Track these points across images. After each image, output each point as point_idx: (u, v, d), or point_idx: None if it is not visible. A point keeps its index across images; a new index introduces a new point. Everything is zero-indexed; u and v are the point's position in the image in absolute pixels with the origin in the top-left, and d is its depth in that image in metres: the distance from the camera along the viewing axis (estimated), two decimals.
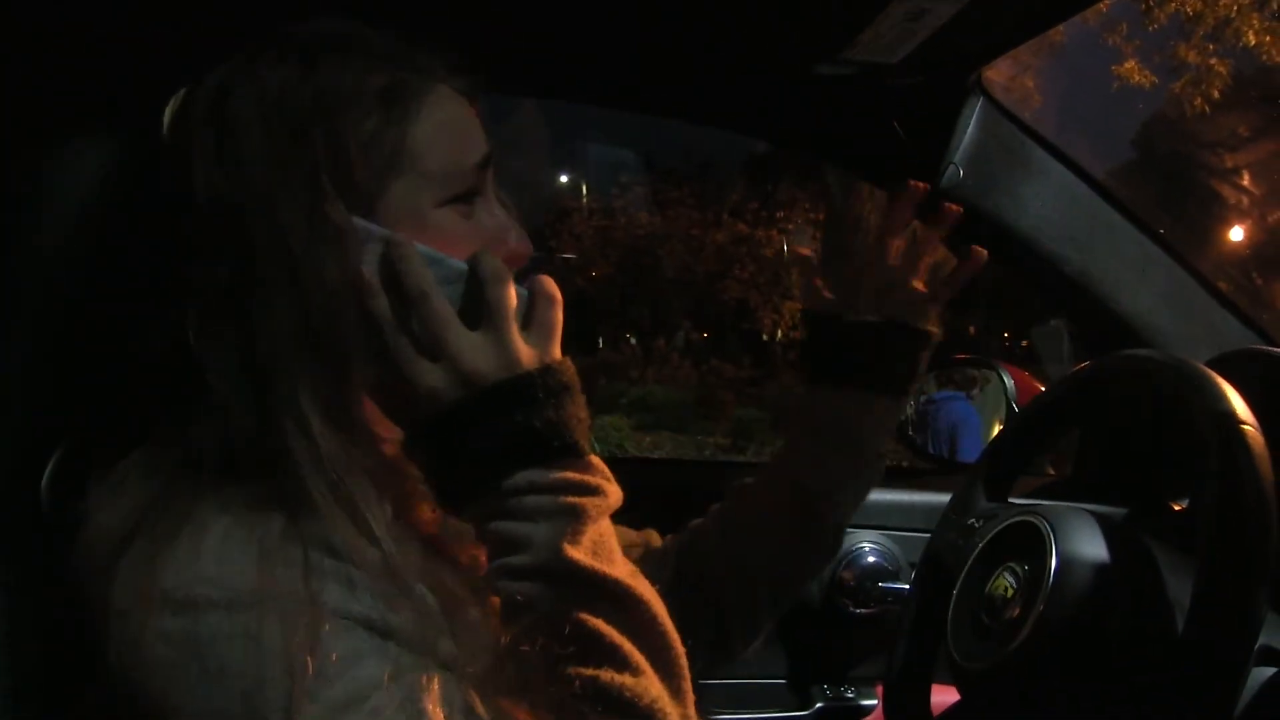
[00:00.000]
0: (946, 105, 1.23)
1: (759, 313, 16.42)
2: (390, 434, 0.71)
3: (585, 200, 18.01)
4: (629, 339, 18.05)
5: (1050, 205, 1.27)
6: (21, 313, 0.93)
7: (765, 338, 17.99)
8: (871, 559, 1.48)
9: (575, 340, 0.76)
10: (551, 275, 0.75)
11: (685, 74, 1.27)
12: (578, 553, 0.67)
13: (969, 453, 1.67)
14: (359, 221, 0.68)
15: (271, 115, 0.67)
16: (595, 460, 0.70)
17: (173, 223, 0.68)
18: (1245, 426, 0.81)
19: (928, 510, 1.50)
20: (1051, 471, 1.61)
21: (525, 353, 0.69)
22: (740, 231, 16.06)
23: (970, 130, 1.24)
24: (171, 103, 0.75)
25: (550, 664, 0.65)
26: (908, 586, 1.42)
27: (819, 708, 1.52)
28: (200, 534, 0.62)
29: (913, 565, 1.46)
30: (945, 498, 1.31)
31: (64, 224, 0.93)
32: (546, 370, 0.68)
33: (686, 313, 17.57)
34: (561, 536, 0.66)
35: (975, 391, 1.72)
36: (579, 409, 0.70)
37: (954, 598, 1.06)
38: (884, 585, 1.47)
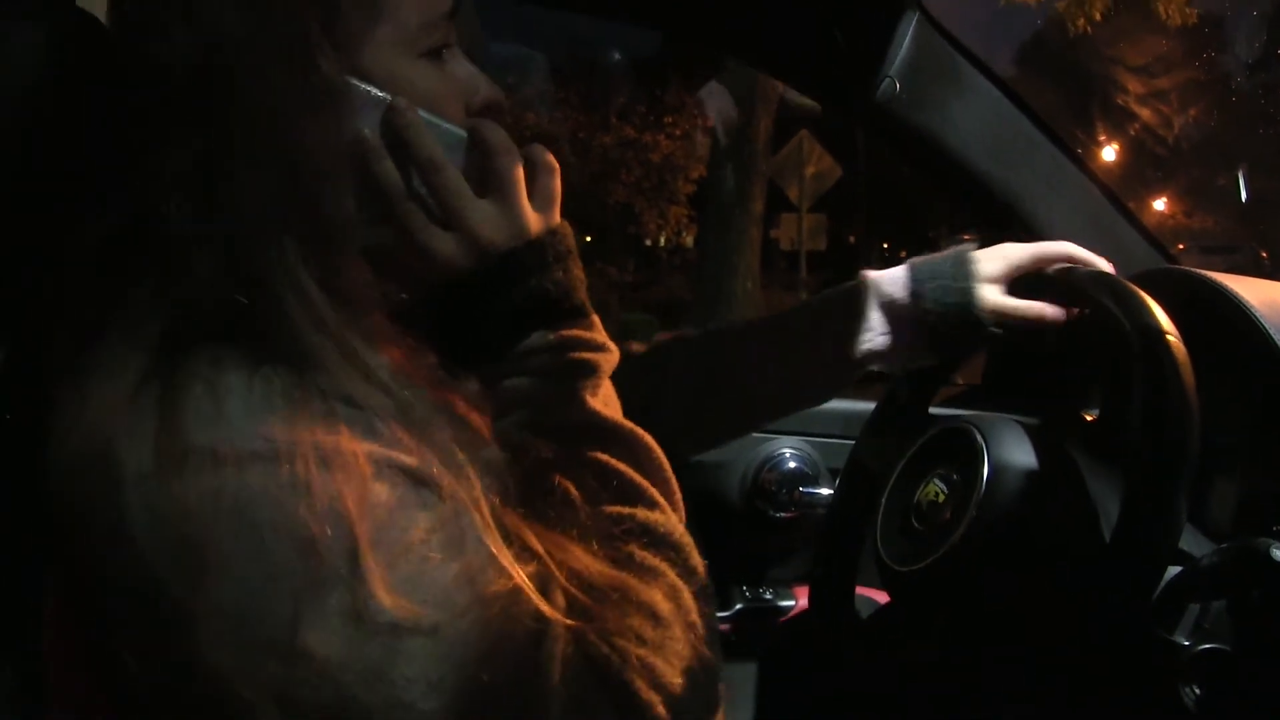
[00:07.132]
0: (884, 18, 1.23)
1: (644, 217, 16.40)
2: (381, 294, 0.69)
3: None
4: None
5: (978, 122, 1.29)
6: None
7: (649, 243, 18.02)
8: (792, 464, 1.52)
9: None
10: None
11: None
12: (596, 403, 0.71)
13: None
14: (357, 83, 0.67)
15: None
16: (596, 319, 0.73)
17: (131, 96, 0.63)
18: (1170, 338, 0.85)
19: (848, 418, 1.54)
20: (959, 381, 1.67)
21: (534, 219, 0.71)
22: (627, 135, 15.92)
23: (906, 44, 1.25)
24: None
25: (590, 505, 0.68)
26: (827, 492, 1.48)
27: (738, 608, 1.57)
28: (217, 390, 0.57)
29: (832, 471, 1.51)
30: (864, 405, 1.35)
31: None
32: (554, 235, 0.71)
33: (570, 216, 17.39)
34: (582, 389, 0.70)
35: None
36: (580, 270, 0.73)
37: (883, 503, 1.10)
38: (804, 490, 1.51)
